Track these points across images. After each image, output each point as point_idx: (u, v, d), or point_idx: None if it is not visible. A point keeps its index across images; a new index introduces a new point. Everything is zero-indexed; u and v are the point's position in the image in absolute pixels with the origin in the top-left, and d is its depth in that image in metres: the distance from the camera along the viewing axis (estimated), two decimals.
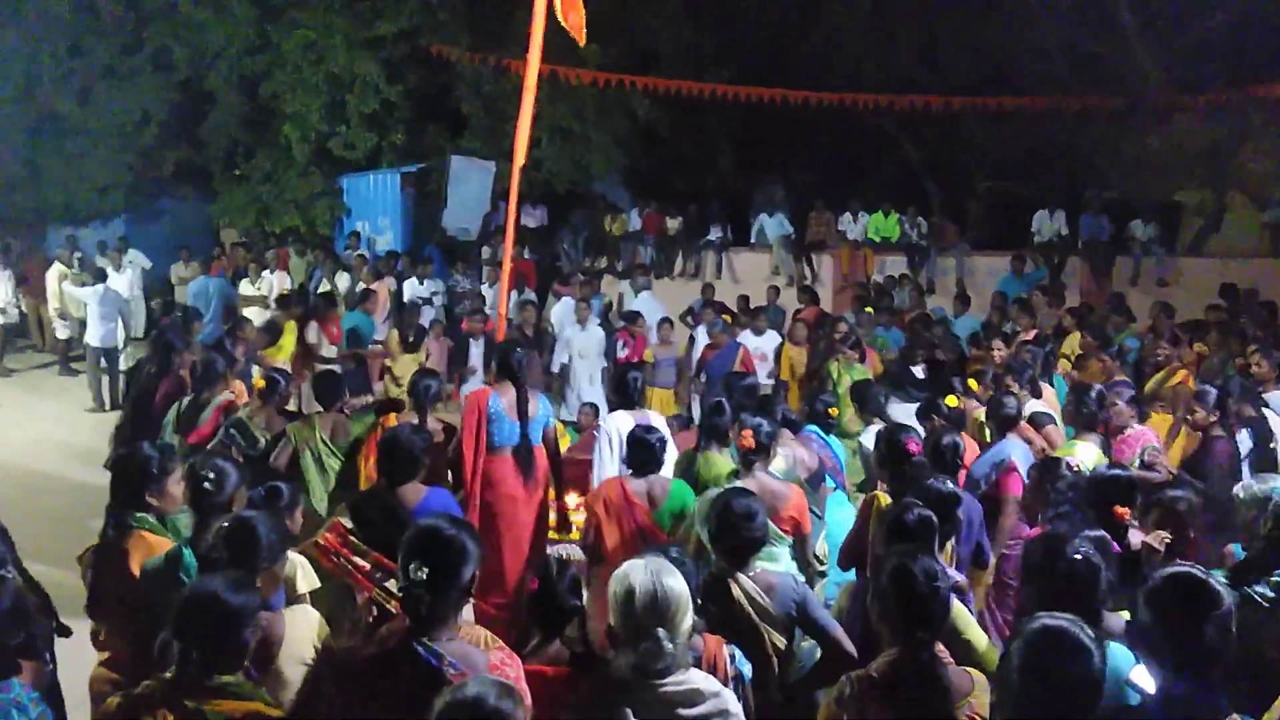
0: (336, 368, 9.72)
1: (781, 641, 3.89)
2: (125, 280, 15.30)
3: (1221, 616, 2.67)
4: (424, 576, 2.99)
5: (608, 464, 6.41)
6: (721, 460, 5.71)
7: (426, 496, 4.97)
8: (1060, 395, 8.05)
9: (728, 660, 3.50)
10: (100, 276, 13.74)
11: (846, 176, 19.88)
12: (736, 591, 3.85)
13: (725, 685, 3.18)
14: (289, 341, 10.64)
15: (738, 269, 17.70)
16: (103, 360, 13.39)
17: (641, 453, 5.36)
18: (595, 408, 9.94)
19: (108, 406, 13.01)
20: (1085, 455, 5.91)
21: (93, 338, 13.28)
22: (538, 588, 3.45)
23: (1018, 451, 6.01)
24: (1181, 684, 2.64)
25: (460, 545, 3.09)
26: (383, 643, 3.11)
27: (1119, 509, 4.56)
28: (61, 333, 15.36)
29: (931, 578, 3.16)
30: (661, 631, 2.88)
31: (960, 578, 4.66)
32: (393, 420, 6.56)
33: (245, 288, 14.47)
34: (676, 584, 2.97)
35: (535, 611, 3.47)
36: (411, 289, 14.25)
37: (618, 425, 6.35)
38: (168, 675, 2.95)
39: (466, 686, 2.46)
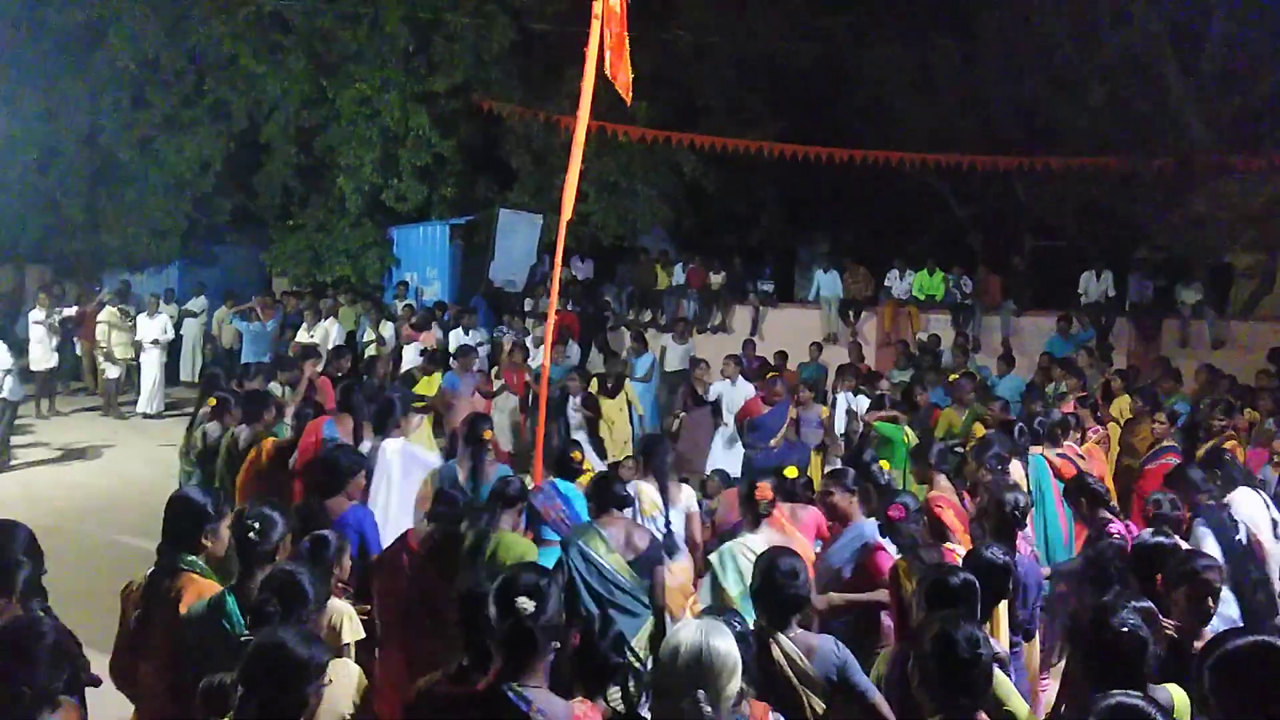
0: None
1: (820, 706, 3.82)
2: (160, 324, 15.65)
3: None
4: (531, 610, 3.00)
5: None
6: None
7: (347, 511, 5.54)
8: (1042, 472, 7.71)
9: None
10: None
11: (892, 233, 19.87)
12: (776, 652, 3.81)
13: None
14: (429, 390, 10.77)
15: (780, 325, 17.66)
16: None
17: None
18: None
19: None
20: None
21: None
22: (579, 643, 3.43)
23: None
24: None
25: (551, 587, 3.13)
26: (463, 685, 3.11)
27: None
28: (111, 373, 15.67)
29: (974, 645, 3.12)
30: (702, 694, 2.83)
31: (1001, 648, 4.58)
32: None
33: (301, 335, 14.68)
34: (724, 645, 2.91)
35: (579, 667, 3.45)
36: (456, 339, 14.36)
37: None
38: None
39: None
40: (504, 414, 11.93)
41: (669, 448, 6.79)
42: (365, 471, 6.11)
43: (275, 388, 9.50)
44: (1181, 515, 5.60)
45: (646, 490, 6.14)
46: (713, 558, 5.59)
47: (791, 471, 6.75)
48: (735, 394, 11.40)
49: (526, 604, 3.01)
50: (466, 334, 14.65)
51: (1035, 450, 7.77)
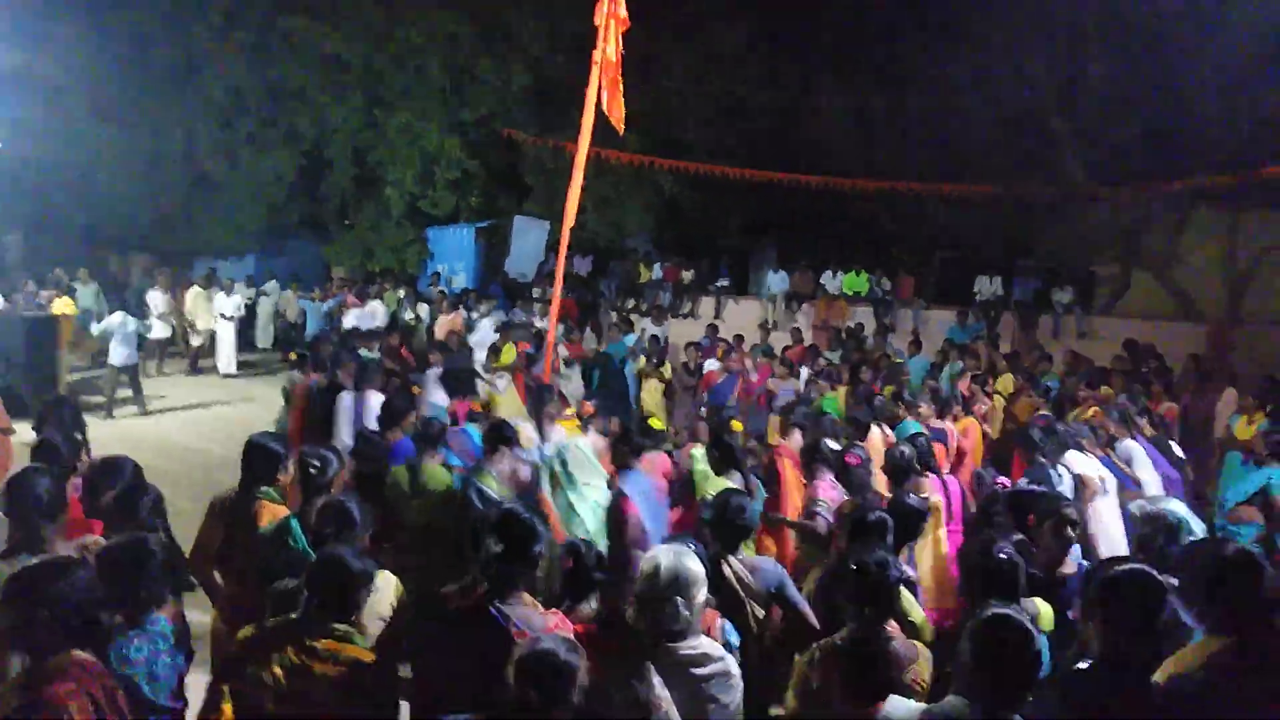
0: None
1: (761, 614, 3.87)
2: (234, 302, 15.56)
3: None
4: (499, 550, 3.02)
5: None
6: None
7: (401, 440, 5.75)
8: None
9: (720, 630, 3.50)
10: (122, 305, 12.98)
11: (828, 242, 19.88)
12: (727, 571, 3.84)
13: None
14: (509, 356, 10.84)
15: (736, 313, 17.69)
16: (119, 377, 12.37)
17: None
18: None
19: None
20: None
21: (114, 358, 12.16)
22: (572, 564, 3.45)
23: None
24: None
25: (530, 525, 3.13)
26: (463, 601, 3.13)
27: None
28: (195, 340, 15.58)
29: (883, 567, 3.16)
30: (679, 599, 2.87)
31: (911, 572, 4.64)
32: None
33: (354, 313, 14.61)
34: (694, 565, 2.96)
35: (568, 583, 3.47)
36: (472, 322, 14.32)
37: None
38: (293, 616, 2.98)
39: (541, 642, 2.48)
40: (571, 380, 11.97)
41: (547, 397, 6.69)
42: (415, 413, 6.18)
43: (365, 352, 9.55)
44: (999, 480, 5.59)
45: (525, 429, 5.97)
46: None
47: (655, 422, 6.71)
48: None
49: (493, 545, 3.03)
50: (486, 314, 14.56)
51: (909, 418, 7.66)
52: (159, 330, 14.71)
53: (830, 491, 5.32)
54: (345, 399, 7.25)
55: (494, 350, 11.52)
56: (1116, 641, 2.67)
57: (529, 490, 5.26)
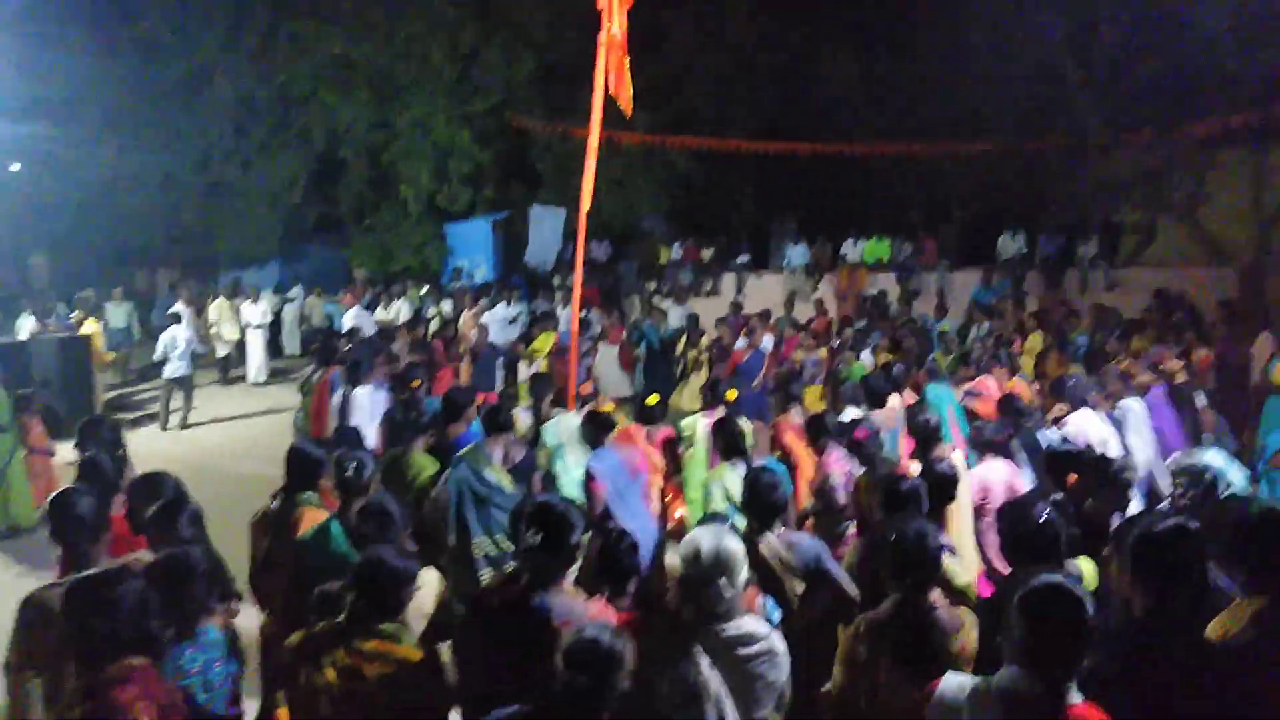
0: None
1: (800, 589, 3.87)
2: (260, 310, 15.59)
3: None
4: (537, 541, 3.04)
5: None
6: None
7: (464, 433, 5.74)
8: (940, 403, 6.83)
9: (761, 607, 3.50)
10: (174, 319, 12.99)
11: (846, 210, 19.73)
12: (764, 548, 3.83)
13: None
14: (545, 344, 11.28)
15: (758, 288, 17.61)
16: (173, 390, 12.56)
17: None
18: None
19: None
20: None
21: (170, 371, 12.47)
22: (601, 551, 3.45)
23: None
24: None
25: (568, 518, 3.15)
26: (505, 594, 3.16)
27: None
28: (221, 351, 15.69)
29: (921, 536, 3.14)
30: (723, 580, 2.89)
31: (948, 540, 4.57)
32: None
33: (379, 313, 14.72)
34: (735, 545, 2.97)
35: (602, 571, 3.48)
36: (501, 312, 14.36)
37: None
38: (340, 620, 3.03)
39: (587, 629, 2.50)
40: (610, 362, 12.33)
41: (548, 387, 6.93)
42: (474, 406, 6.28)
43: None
44: (1001, 439, 5.38)
45: (521, 416, 6.20)
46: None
47: (653, 399, 6.55)
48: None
49: (533, 536, 3.06)
50: (509, 305, 14.61)
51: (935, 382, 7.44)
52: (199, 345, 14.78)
53: (842, 464, 5.29)
54: (352, 395, 7.56)
55: (528, 339, 11.77)
56: (1160, 598, 2.63)
57: (522, 470, 5.40)
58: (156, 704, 2.61)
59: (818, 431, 5.54)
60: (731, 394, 6.64)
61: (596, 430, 5.59)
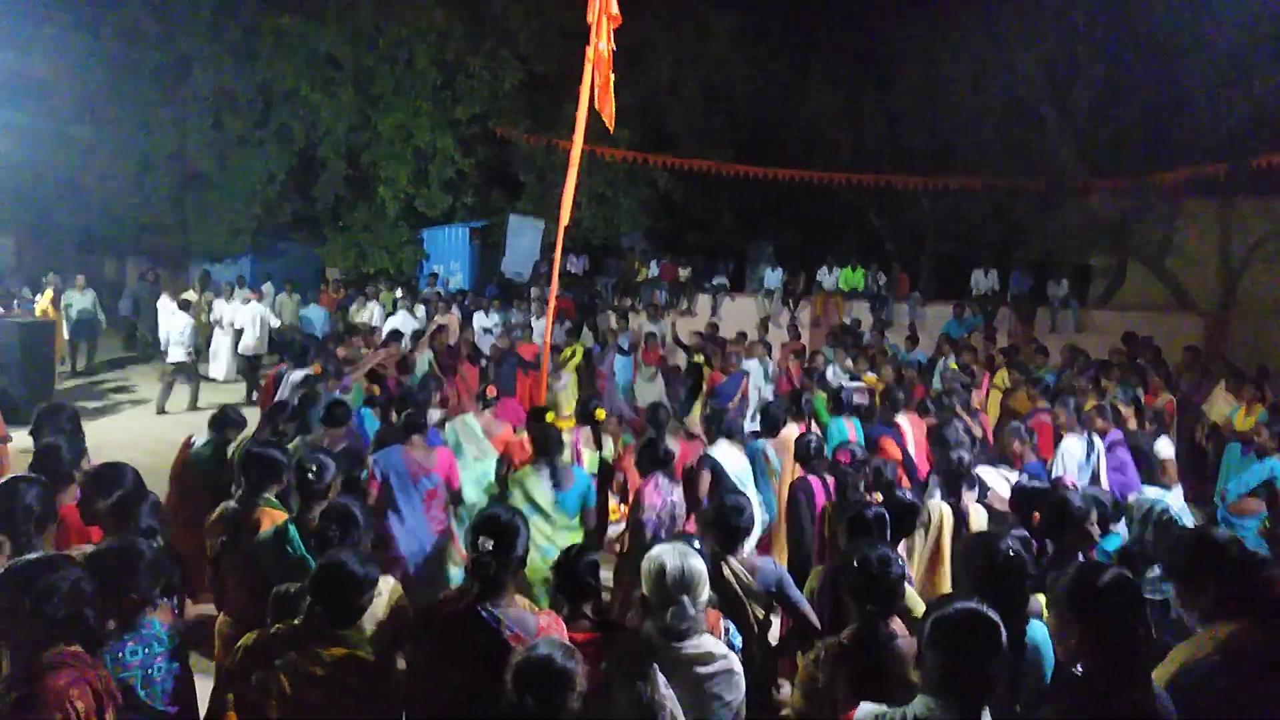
0: None
1: (761, 613, 3.87)
2: (231, 308, 15.20)
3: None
4: (489, 548, 3.01)
5: None
6: None
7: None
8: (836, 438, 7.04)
9: (724, 631, 3.50)
10: (184, 308, 13.21)
11: (823, 237, 19.89)
12: (726, 572, 3.83)
13: None
14: (576, 357, 11.55)
15: (733, 310, 17.68)
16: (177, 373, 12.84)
17: None
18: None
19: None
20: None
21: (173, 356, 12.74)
22: (561, 571, 3.41)
23: None
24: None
25: (516, 526, 3.13)
26: (453, 606, 3.12)
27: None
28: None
29: (885, 563, 3.15)
30: (686, 599, 2.88)
31: (909, 569, 4.60)
32: None
33: (353, 313, 14.60)
34: (698, 564, 2.97)
35: (562, 589, 3.43)
36: (479, 321, 14.33)
37: None
38: (296, 623, 2.98)
39: (538, 647, 2.45)
40: (652, 381, 12.35)
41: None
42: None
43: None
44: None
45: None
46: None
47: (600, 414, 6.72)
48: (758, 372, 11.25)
49: (485, 543, 3.02)
50: (487, 315, 14.57)
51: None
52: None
53: (654, 495, 5.16)
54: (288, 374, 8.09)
55: (557, 350, 11.95)
56: (1106, 649, 2.55)
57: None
58: (91, 690, 2.58)
59: (647, 456, 5.36)
60: (600, 413, 6.66)
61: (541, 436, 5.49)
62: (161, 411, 12.43)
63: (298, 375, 7.91)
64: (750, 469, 6.06)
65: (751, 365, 11.29)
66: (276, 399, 7.58)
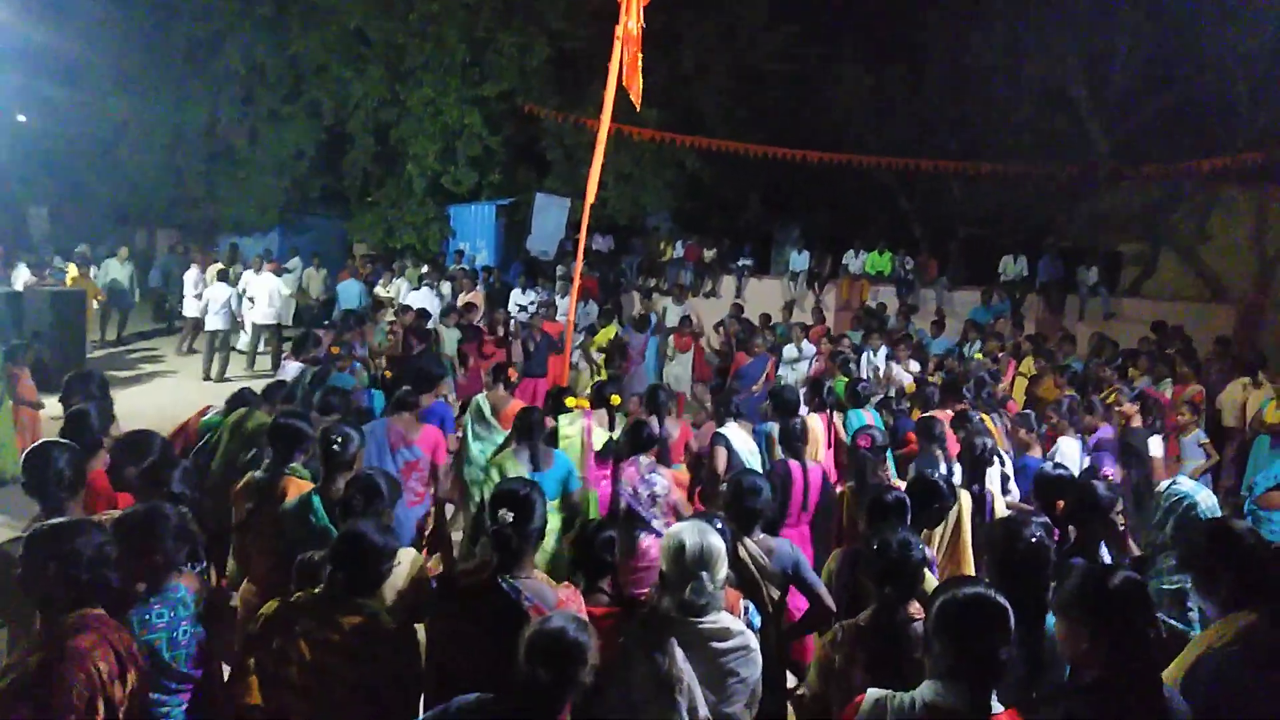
0: None
1: (776, 594, 3.87)
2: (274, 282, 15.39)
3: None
4: (510, 519, 3.03)
5: None
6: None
7: (435, 403, 6.40)
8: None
9: (743, 610, 3.51)
10: (222, 278, 14.05)
11: (850, 221, 19.72)
12: (743, 553, 3.84)
13: None
14: (609, 333, 12.07)
15: (758, 293, 17.61)
16: (216, 341, 13.46)
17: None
18: None
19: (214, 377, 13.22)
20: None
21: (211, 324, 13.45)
22: (576, 548, 3.42)
23: None
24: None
25: (533, 499, 3.15)
26: (473, 577, 3.15)
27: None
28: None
29: (905, 548, 3.14)
30: (705, 575, 2.89)
31: (931, 553, 4.57)
32: None
33: (379, 290, 14.70)
34: (717, 541, 2.97)
35: (578, 565, 3.45)
36: (516, 298, 14.40)
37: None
38: (317, 591, 3.02)
39: (551, 620, 2.46)
40: (684, 366, 12.38)
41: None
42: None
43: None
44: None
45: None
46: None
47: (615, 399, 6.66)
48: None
49: (506, 514, 3.04)
50: (524, 293, 14.59)
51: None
52: (192, 308, 14.65)
53: (631, 472, 5.02)
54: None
55: (592, 330, 12.21)
56: (1117, 653, 2.47)
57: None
58: (114, 652, 2.62)
59: (629, 441, 5.22)
60: (616, 399, 6.60)
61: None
62: (207, 378, 12.99)
63: (294, 368, 7.79)
64: (758, 451, 6.06)
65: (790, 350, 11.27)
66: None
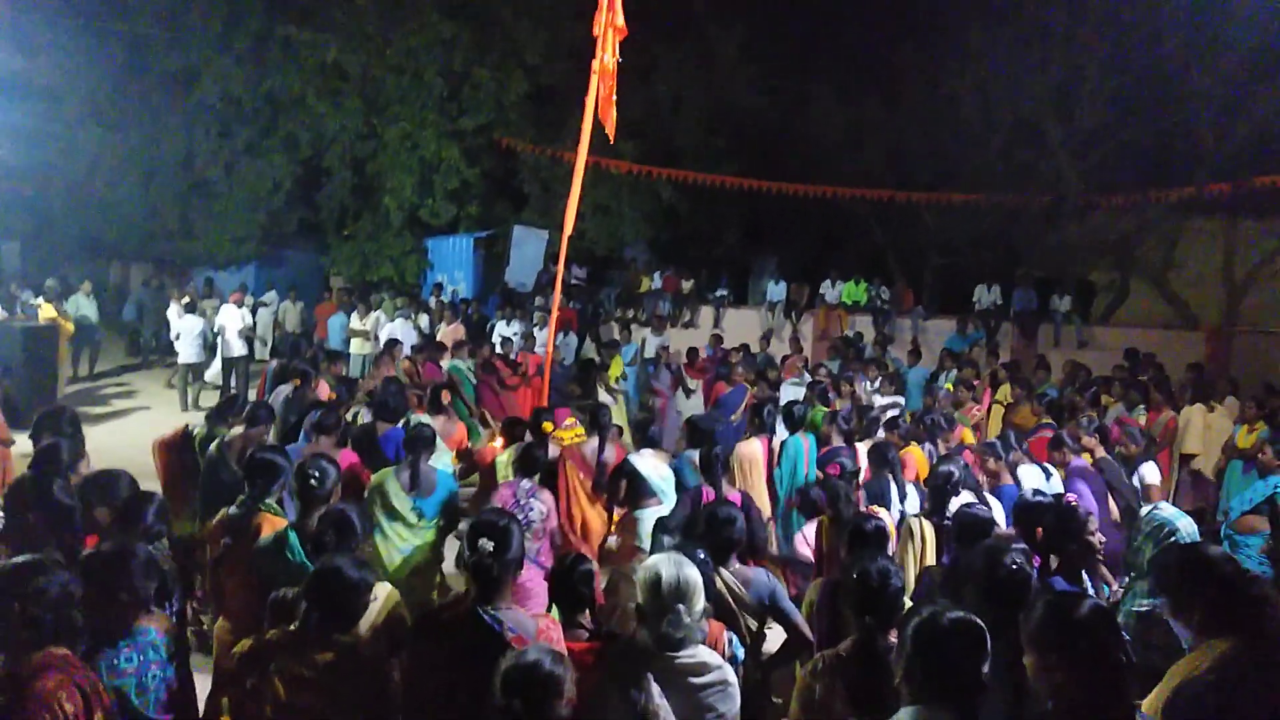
0: None
1: (754, 625, 3.85)
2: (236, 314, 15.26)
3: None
4: (490, 549, 3.00)
5: None
6: None
7: (390, 430, 6.48)
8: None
9: (726, 643, 3.48)
10: (190, 310, 14.04)
11: (826, 251, 19.91)
12: (719, 584, 3.82)
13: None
14: (617, 369, 12.37)
15: (736, 323, 17.67)
16: (189, 374, 13.65)
17: None
18: None
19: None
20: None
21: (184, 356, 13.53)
22: (554, 581, 3.38)
23: None
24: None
25: (510, 528, 3.12)
26: (453, 609, 3.11)
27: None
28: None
29: (884, 576, 3.14)
30: (681, 608, 2.87)
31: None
32: None
33: (354, 321, 14.64)
34: (693, 573, 2.96)
35: (556, 600, 3.42)
36: (500, 329, 14.40)
37: None
38: (292, 628, 2.97)
39: (526, 653, 2.44)
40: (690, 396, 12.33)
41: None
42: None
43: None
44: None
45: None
46: None
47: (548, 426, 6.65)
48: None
49: (486, 544, 3.01)
50: (509, 325, 14.60)
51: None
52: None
53: (506, 493, 5.26)
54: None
55: (604, 364, 12.34)
56: (1089, 682, 2.45)
57: None
58: (80, 692, 2.58)
59: (520, 462, 5.42)
60: (548, 426, 6.61)
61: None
62: (185, 408, 12.99)
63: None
64: (673, 478, 6.02)
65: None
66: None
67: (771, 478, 6.88)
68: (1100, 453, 7.00)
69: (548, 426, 6.41)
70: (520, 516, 4.85)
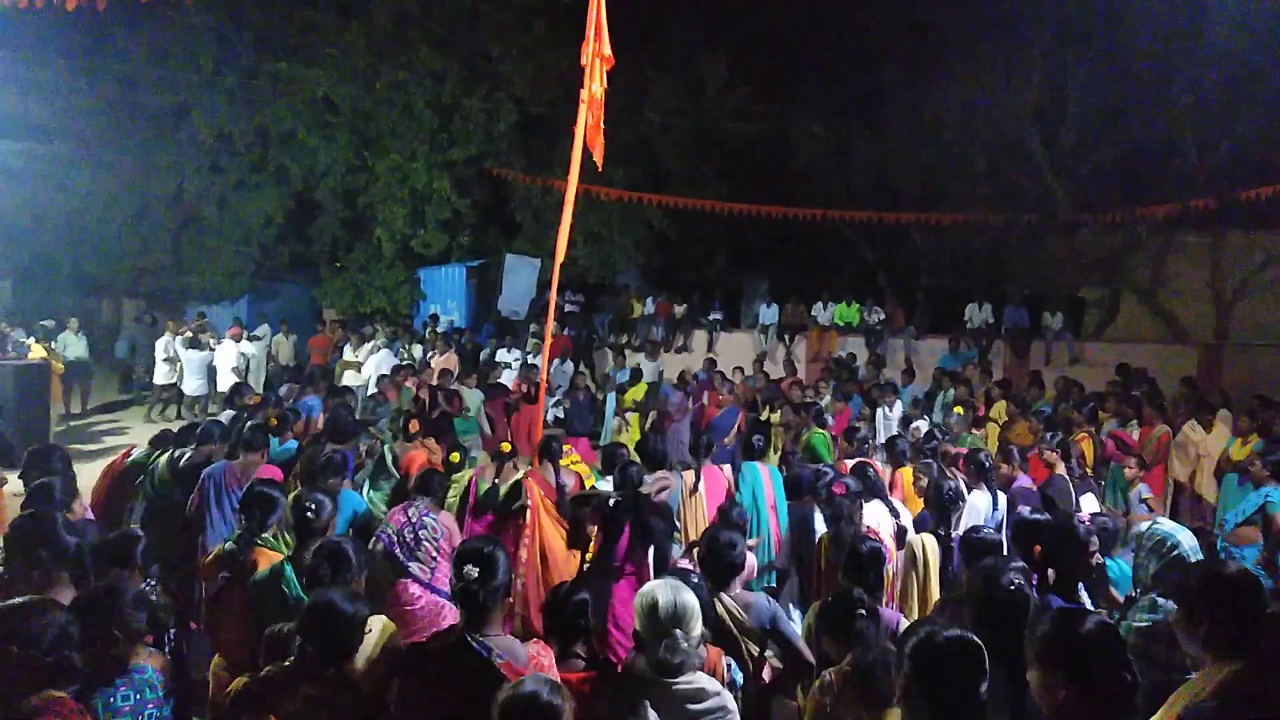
0: None
1: (755, 649, 3.83)
2: (231, 349, 15.38)
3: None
4: (475, 575, 2.97)
5: None
6: None
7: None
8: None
9: (725, 668, 3.46)
10: (195, 345, 14.73)
11: (817, 273, 19.97)
12: (720, 609, 3.81)
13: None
14: (639, 391, 12.47)
15: (729, 346, 17.70)
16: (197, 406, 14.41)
17: None
18: None
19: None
20: None
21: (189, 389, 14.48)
22: (548, 612, 3.36)
23: None
24: None
25: (497, 552, 3.10)
26: (442, 638, 3.09)
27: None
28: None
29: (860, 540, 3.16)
30: (679, 632, 2.86)
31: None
32: None
33: (347, 353, 14.64)
34: (690, 599, 2.96)
35: (551, 630, 3.38)
36: (501, 356, 14.49)
37: None
38: (286, 664, 2.94)
39: (523, 684, 2.41)
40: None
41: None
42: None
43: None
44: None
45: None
46: None
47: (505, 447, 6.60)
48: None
49: (471, 571, 2.99)
50: (509, 352, 14.64)
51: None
52: (161, 375, 15.04)
53: (399, 515, 5.31)
54: None
55: (622, 389, 12.61)
56: (1095, 700, 2.42)
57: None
58: None
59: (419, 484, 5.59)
60: (505, 446, 6.57)
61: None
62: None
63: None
64: None
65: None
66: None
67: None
68: (1060, 469, 6.97)
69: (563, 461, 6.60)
70: (409, 536, 5.00)
